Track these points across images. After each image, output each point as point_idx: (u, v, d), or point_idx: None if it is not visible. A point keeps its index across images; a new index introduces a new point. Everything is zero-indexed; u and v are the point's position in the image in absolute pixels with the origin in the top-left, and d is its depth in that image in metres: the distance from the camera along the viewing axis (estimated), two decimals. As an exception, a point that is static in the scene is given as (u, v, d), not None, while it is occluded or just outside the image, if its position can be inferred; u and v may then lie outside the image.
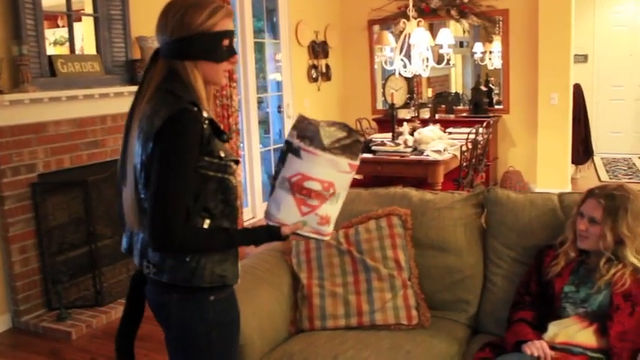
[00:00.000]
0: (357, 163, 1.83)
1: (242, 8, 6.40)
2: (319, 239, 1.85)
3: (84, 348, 3.81)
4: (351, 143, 1.80)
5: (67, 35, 4.72)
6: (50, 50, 4.61)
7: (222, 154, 1.72)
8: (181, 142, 1.63)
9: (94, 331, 4.05)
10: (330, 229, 1.84)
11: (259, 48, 7.06)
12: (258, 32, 6.94)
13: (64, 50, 4.99)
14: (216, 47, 1.73)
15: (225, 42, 1.74)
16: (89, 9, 4.63)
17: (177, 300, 1.79)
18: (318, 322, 2.57)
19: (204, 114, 1.68)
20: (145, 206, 1.71)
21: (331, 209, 1.82)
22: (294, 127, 1.82)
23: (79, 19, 4.88)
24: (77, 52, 4.75)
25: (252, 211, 6.77)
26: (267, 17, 7.15)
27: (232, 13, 1.76)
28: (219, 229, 1.74)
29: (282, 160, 1.83)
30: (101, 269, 4.38)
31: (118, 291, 4.48)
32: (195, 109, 1.66)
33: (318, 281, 2.64)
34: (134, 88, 4.63)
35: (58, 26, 5.93)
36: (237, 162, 1.79)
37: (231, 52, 1.77)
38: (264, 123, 7.43)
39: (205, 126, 1.68)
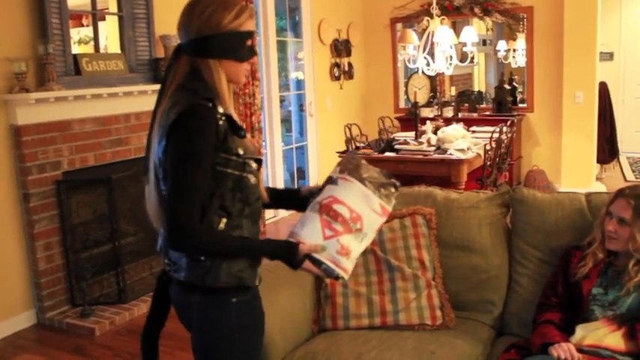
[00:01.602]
0: (389, 208, 1.82)
1: (265, 7, 6.40)
2: (334, 271, 1.74)
3: (107, 344, 3.84)
4: (388, 185, 1.82)
5: (91, 34, 4.76)
6: (75, 49, 4.65)
7: (241, 152, 1.70)
8: (194, 136, 1.63)
9: (117, 327, 4.07)
10: (348, 264, 1.76)
11: (282, 47, 7.06)
12: (280, 31, 6.94)
13: (89, 49, 5.04)
14: (241, 47, 1.73)
15: (249, 42, 1.75)
16: (113, 8, 4.66)
17: (198, 301, 1.78)
18: (341, 321, 2.56)
19: (220, 109, 1.67)
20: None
21: (354, 244, 1.76)
22: (339, 164, 1.86)
23: (104, 18, 4.92)
24: (101, 50, 4.79)
25: (274, 210, 6.77)
26: (289, 16, 7.15)
27: (254, 14, 1.75)
28: (236, 235, 1.72)
29: (319, 190, 1.84)
30: (124, 267, 4.41)
31: (140, 288, 4.51)
32: (210, 104, 1.66)
33: (341, 280, 2.61)
34: (158, 87, 4.64)
35: (82, 25, 6.00)
36: (258, 161, 1.77)
37: (253, 53, 1.78)
38: (286, 121, 7.44)
39: (221, 122, 1.67)
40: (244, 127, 1.85)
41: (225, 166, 1.68)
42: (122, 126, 4.59)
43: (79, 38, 5.85)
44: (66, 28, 4.20)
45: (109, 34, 5.00)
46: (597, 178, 7.46)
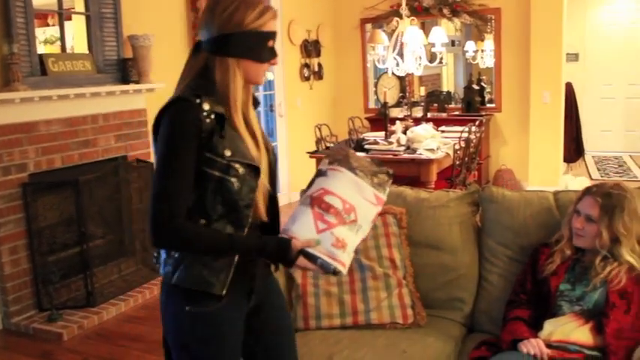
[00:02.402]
0: (383, 197, 1.76)
1: (234, 7, 6.37)
2: (330, 265, 1.64)
3: (75, 349, 3.78)
4: (380, 174, 1.76)
5: (57, 34, 4.70)
6: (41, 49, 4.57)
7: (228, 153, 1.64)
8: (172, 131, 1.61)
9: (85, 332, 4.01)
10: (345, 257, 1.66)
11: (251, 47, 7.02)
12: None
13: (55, 49, 4.96)
14: (262, 47, 1.70)
15: (270, 43, 1.72)
16: (80, 7, 4.59)
17: (164, 300, 1.76)
18: (313, 321, 2.55)
19: (206, 106, 1.63)
20: None
21: (349, 236, 1.67)
22: (327, 156, 1.80)
23: (70, 18, 4.85)
24: (68, 50, 4.72)
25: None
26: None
27: (277, 15, 1.75)
28: (220, 231, 1.67)
29: (309, 186, 1.77)
30: (93, 270, 4.34)
31: (110, 291, 4.45)
32: (197, 100, 1.62)
33: (312, 280, 2.61)
34: (126, 87, 4.68)
35: (48, 25, 5.91)
36: (254, 168, 1.69)
37: (273, 54, 1.74)
38: (256, 122, 7.39)
39: (209, 120, 1.63)
40: (258, 130, 1.78)
41: (209, 167, 1.64)
42: (90, 127, 4.53)
43: (44, 38, 5.76)
44: (31, 28, 4.13)
45: (76, 33, 4.93)
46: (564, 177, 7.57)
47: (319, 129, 5.81)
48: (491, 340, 2.35)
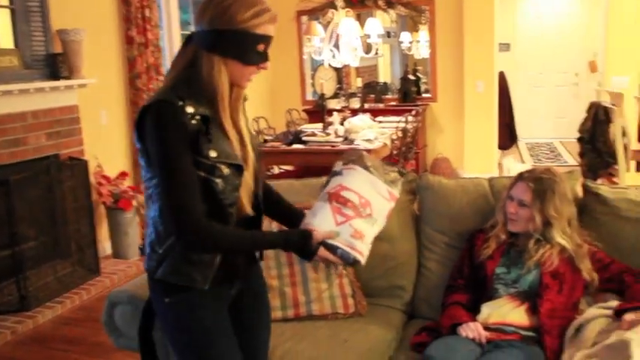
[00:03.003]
0: (396, 193, 1.84)
1: (167, 0, 6.27)
2: (350, 255, 1.72)
3: (9, 356, 3.66)
4: (392, 172, 1.85)
5: (-19, 29, 4.51)
6: (-37, 45, 4.39)
7: (213, 154, 1.61)
8: (165, 136, 1.57)
9: (19, 337, 3.88)
10: (363, 247, 1.74)
11: (186, 40, 6.91)
12: (184, 24, 6.80)
13: (-21, 44, 4.75)
14: (251, 49, 1.64)
15: (261, 47, 1.66)
16: (4, 1, 4.42)
17: (152, 295, 1.78)
18: (255, 315, 2.54)
19: (190, 109, 1.59)
20: (147, 192, 1.70)
21: (366, 228, 1.76)
22: (341, 158, 1.87)
23: (-6, 12, 4.66)
24: (-7, 46, 4.54)
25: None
26: (193, 9, 7.02)
27: (276, 20, 1.69)
28: (241, 229, 1.71)
29: (325, 185, 1.85)
30: (26, 273, 4.20)
31: (45, 294, 4.31)
32: (180, 102, 1.58)
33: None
34: (56, 83, 4.54)
35: (-30, 19, 5.65)
36: (238, 167, 1.67)
37: (263, 58, 1.68)
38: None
39: (194, 122, 1.59)
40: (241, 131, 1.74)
41: (195, 167, 1.61)
42: (19, 125, 4.37)
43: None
44: (-48, 23, 3.96)
45: (1, 28, 4.75)
46: (498, 164, 7.76)
47: (257, 122, 5.78)
48: (432, 325, 2.38)
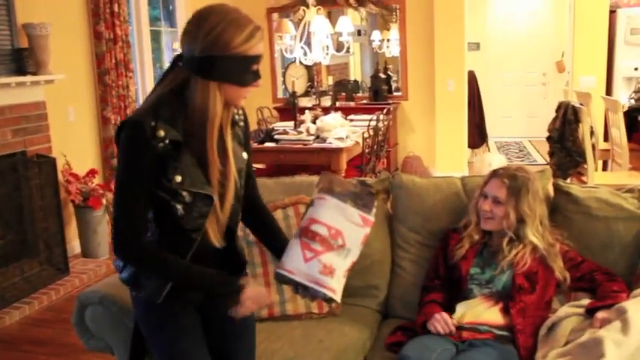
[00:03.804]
0: (370, 217, 1.77)
1: (136, -5, 6.19)
2: (319, 292, 1.68)
3: (-24, 356, 3.58)
4: (362, 194, 1.78)
5: (-57, 23, 4.39)
6: None
7: (178, 179, 1.61)
8: (127, 153, 1.60)
9: (-14, 337, 3.81)
10: (334, 283, 1.68)
11: (155, 36, 6.85)
12: (154, 20, 6.74)
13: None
14: (246, 71, 1.64)
15: (255, 67, 1.66)
16: (-32, -6, 4.32)
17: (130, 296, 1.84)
18: (228, 315, 2.51)
19: (161, 133, 1.57)
20: None
21: (337, 261, 1.70)
22: (316, 185, 1.81)
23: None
24: (-44, 40, 4.43)
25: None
26: (162, 5, 6.95)
27: (263, 36, 1.70)
28: (181, 260, 1.67)
29: (302, 217, 1.81)
30: (-8, 272, 4.11)
31: (12, 294, 4.22)
32: (153, 123, 1.57)
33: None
34: (23, 79, 4.45)
35: None
36: (203, 195, 1.65)
37: (257, 77, 1.69)
38: (162, 114, 7.23)
39: (162, 144, 1.58)
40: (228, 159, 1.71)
41: (157, 186, 1.61)
42: (-17, 122, 4.28)
43: None
44: None
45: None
46: (469, 162, 7.82)
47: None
48: (407, 324, 2.39)
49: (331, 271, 1.68)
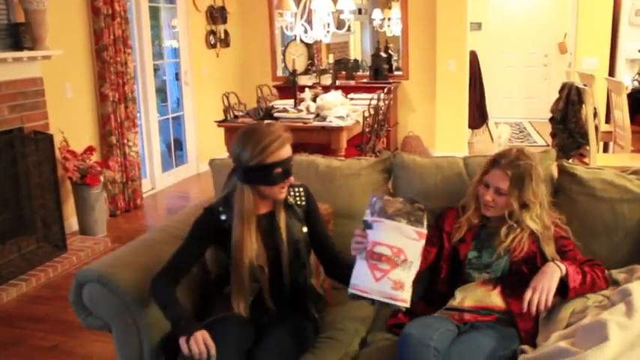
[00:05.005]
0: (423, 231, 1.96)
1: (135, -30, 6.10)
2: (394, 306, 1.93)
3: (-27, 333, 3.56)
4: (413, 211, 1.98)
5: (-62, -4, 4.33)
6: None
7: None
8: (192, 226, 2.23)
9: (-17, 314, 3.79)
10: (405, 295, 1.92)
11: (154, 13, 6.77)
12: (152, -4, 6.65)
13: (-63, 13, 4.56)
14: (269, 175, 2.09)
15: (279, 170, 2.08)
16: (-36, -33, 4.25)
17: None
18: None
19: (223, 217, 2.18)
20: None
21: (404, 275, 1.92)
22: (368, 207, 2.03)
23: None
24: (-48, 14, 4.36)
25: (151, 182, 6.56)
26: (161, -20, 6.86)
27: (289, 140, 2.14)
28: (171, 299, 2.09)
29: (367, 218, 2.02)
30: (-12, 249, 4.08)
31: (8, 271, 4.20)
32: (220, 208, 2.19)
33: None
34: (19, 54, 4.38)
35: None
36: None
37: (285, 176, 2.11)
38: (161, 91, 7.18)
39: (227, 225, 2.16)
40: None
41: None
42: (-21, 97, 4.22)
43: None
44: None
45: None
46: (469, 143, 7.78)
47: (227, 97, 5.68)
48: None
49: (401, 285, 1.91)
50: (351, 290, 1.93)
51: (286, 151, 2.11)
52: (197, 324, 1.99)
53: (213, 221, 2.17)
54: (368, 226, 1.98)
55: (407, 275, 1.92)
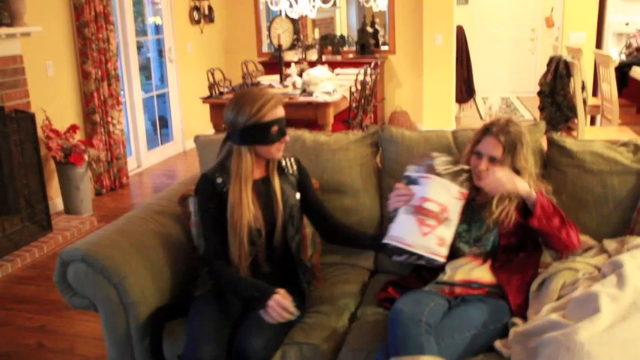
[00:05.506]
0: (466, 191, 2.06)
1: (115, -56, 5.98)
2: (435, 261, 2.00)
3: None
4: (459, 171, 2.06)
5: None
6: None
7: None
8: (198, 199, 2.29)
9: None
10: (445, 251, 2.00)
11: (136, -12, 6.65)
12: (134, -29, 6.52)
13: None
14: (267, 133, 2.14)
15: (274, 128, 2.14)
16: (-61, -59, 4.13)
17: None
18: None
19: (219, 180, 2.21)
20: None
21: (446, 232, 2.01)
22: (411, 163, 2.12)
23: None
24: None
25: (137, 160, 6.49)
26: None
27: (281, 101, 2.20)
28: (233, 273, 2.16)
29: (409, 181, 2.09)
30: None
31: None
32: (216, 174, 2.21)
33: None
34: (6, 30, 4.24)
35: None
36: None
37: (280, 135, 2.17)
38: (145, 69, 7.09)
39: (225, 188, 2.19)
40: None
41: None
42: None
43: None
44: None
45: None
46: (456, 117, 7.75)
47: (212, 74, 5.61)
48: (396, 280, 2.34)
49: (444, 242, 1.99)
50: (391, 242, 1.97)
51: (281, 111, 2.17)
52: (268, 291, 2.01)
53: (212, 185, 2.20)
54: (413, 181, 2.04)
55: (449, 233, 2.01)
